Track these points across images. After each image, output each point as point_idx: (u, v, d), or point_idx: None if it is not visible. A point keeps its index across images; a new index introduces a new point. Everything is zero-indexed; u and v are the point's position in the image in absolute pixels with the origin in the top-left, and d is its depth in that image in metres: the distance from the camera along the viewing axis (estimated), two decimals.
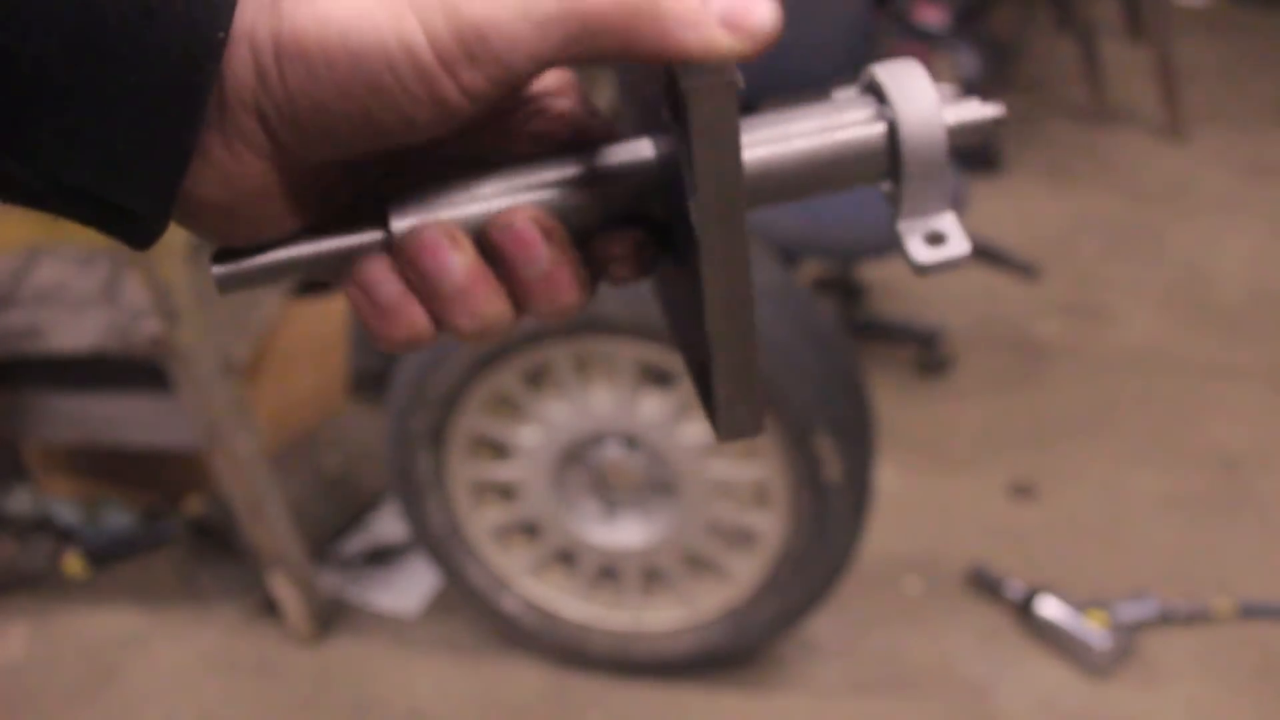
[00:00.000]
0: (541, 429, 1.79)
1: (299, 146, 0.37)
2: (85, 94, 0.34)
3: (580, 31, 0.35)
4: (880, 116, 0.43)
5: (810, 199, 0.45)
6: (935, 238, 0.44)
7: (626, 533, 1.88)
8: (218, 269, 0.42)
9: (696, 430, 1.76)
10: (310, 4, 0.35)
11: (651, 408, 1.75)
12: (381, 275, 0.39)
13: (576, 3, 0.35)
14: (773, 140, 0.44)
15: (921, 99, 0.43)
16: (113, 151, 0.35)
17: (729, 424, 0.42)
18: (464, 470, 1.84)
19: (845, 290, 2.97)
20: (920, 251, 0.44)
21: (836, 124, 0.44)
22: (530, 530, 1.93)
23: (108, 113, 0.34)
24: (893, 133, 0.42)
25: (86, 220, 0.37)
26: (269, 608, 2.06)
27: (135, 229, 0.38)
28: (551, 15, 0.35)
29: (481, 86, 0.36)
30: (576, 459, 1.84)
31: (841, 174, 0.44)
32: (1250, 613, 2.01)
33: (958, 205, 2.15)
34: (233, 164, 0.37)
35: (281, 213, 0.40)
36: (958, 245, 0.44)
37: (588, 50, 0.36)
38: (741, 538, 1.84)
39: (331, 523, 2.25)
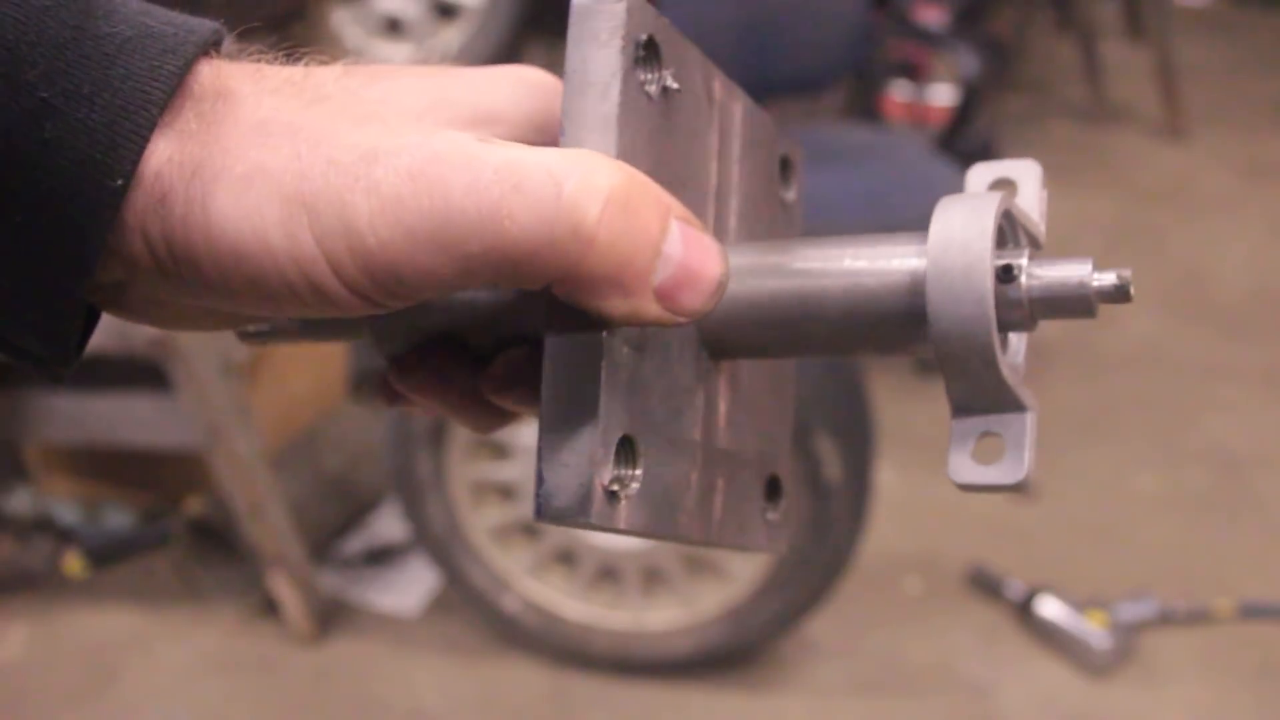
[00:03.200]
0: None
1: (198, 304, 0.35)
2: None
3: (503, 267, 0.31)
4: (919, 256, 0.34)
5: (833, 358, 0.39)
6: (988, 442, 0.34)
7: None
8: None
9: None
10: (203, 212, 0.30)
11: None
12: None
13: (499, 241, 0.30)
14: (759, 257, 0.37)
15: (966, 242, 0.33)
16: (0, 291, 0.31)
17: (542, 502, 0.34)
18: (464, 470, 1.84)
19: None
20: (962, 464, 0.34)
21: (855, 257, 0.36)
22: (530, 530, 1.93)
23: None
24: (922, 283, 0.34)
25: None
26: (269, 608, 2.06)
27: (42, 365, 0.34)
28: (473, 254, 0.30)
29: (396, 305, 0.33)
30: None
31: (856, 330, 0.36)
32: (1250, 613, 2.00)
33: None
34: (149, 303, 0.35)
35: (228, 316, 0.38)
36: (1010, 468, 0.34)
37: (507, 281, 0.31)
38: None
39: (331, 523, 2.25)
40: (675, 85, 0.36)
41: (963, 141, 2.77)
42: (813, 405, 1.64)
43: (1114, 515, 2.30)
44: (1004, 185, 0.38)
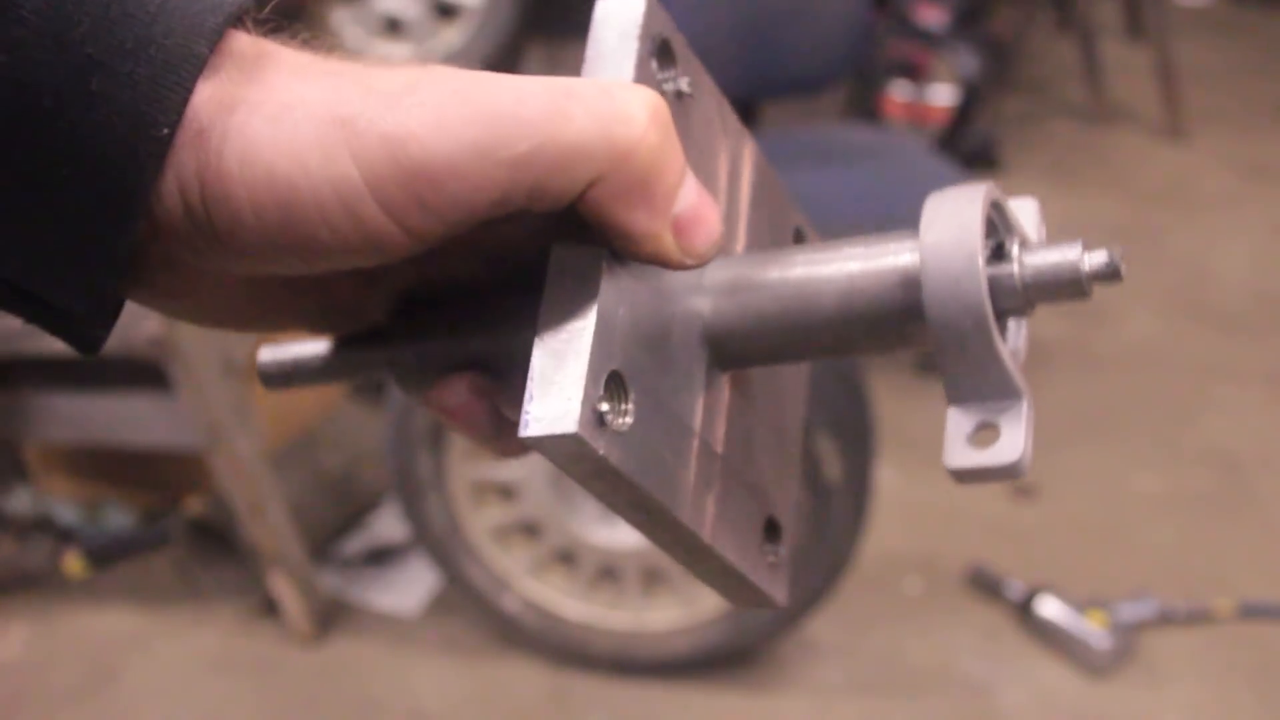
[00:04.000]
0: None
1: (234, 270, 0.34)
2: (10, 181, 0.30)
3: (553, 167, 0.31)
4: (912, 251, 0.35)
5: (834, 359, 0.37)
6: (985, 433, 0.35)
7: (627, 532, 1.88)
8: (263, 356, 0.42)
9: None
10: (240, 138, 0.31)
11: None
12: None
13: (554, 137, 0.31)
14: (756, 264, 0.37)
15: (957, 230, 0.34)
16: (42, 247, 0.31)
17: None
18: (464, 470, 1.84)
19: None
20: (956, 449, 0.35)
21: (850, 258, 0.36)
22: (530, 530, 1.93)
23: (36, 205, 0.30)
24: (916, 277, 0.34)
25: (24, 315, 0.34)
26: (269, 608, 2.06)
27: (77, 330, 0.34)
28: (522, 155, 0.31)
29: (435, 230, 0.32)
30: None
31: (854, 325, 0.36)
32: (1250, 613, 2.00)
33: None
34: (171, 274, 0.35)
35: (257, 305, 0.39)
36: (1006, 449, 0.34)
37: (548, 185, 0.31)
38: None
39: (331, 523, 2.25)
40: (689, 91, 0.37)
41: (963, 141, 2.77)
42: (813, 405, 1.64)
43: (1114, 515, 2.30)
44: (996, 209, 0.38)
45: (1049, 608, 1.98)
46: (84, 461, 2.24)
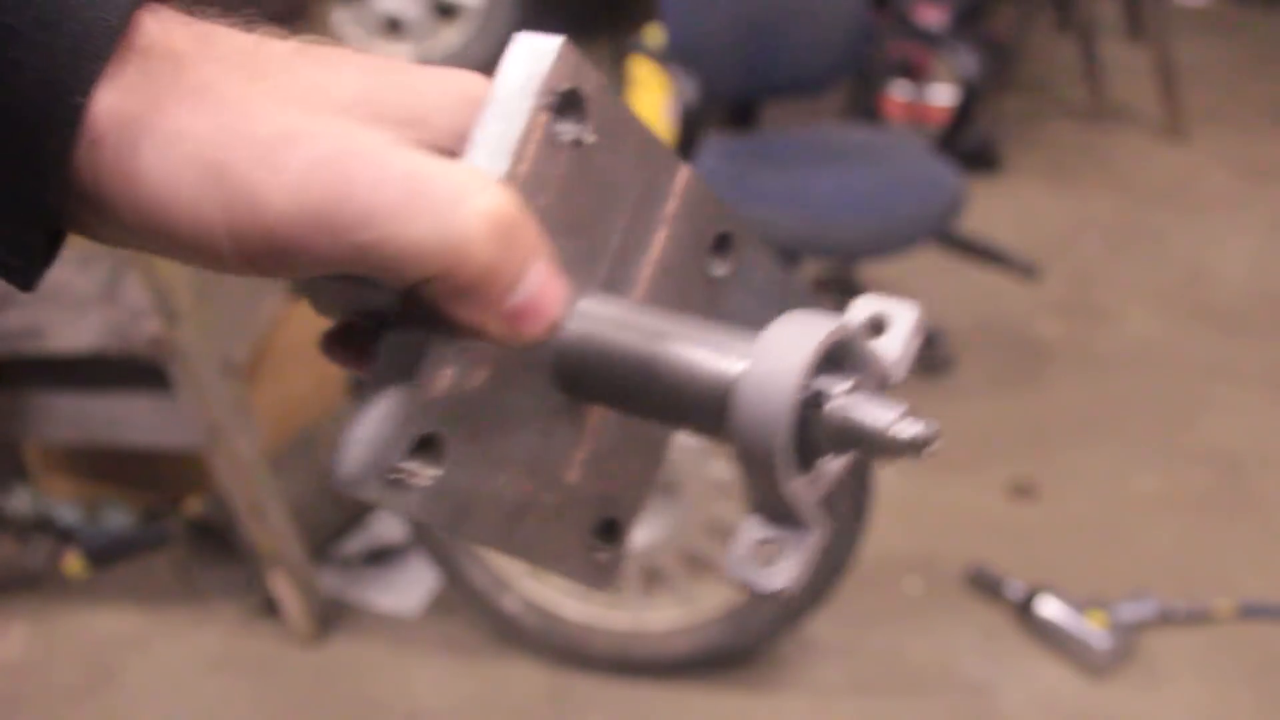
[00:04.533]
0: None
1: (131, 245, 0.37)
2: None
3: (388, 261, 0.33)
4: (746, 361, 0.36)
5: (662, 425, 0.39)
6: (767, 549, 0.36)
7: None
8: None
9: None
10: (129, 157, 0.33)
11: None
12: None
13: (394, 237, 0.33)
14: (616, 321, 0.39)
15: (778, 365, 0.34)
16: None
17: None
18: None
19: (845, 290, 2.97)
20: (736, 556, 0.36)
21: (701, 344, 0.37)
22: None
23: None
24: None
25: None
26: (269, 608, 2.06)
27: (15, 278, 0.36)
28: (363, 244, 0.33)
29: (275, 275, 0.35)
30: None
31: (683, 410, 0.37)
32: (1250, 613, 2.01)
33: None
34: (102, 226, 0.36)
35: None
36: (776, 575, 0.35)
37: (385, 273, 0.34)
38: None
39: (331, 523, 2.24)
40: (591, 139, 0.38)
41: (963, 141, 2.77)
42: None
43: (1114, 515, 2.30)
44: (878, 323, 0.40)
45: (1049, 608, 1.98)
46: (84, 461, 2.24)
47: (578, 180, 0.38)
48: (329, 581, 2.15)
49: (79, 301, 1.81)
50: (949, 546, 2.21)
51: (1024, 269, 3.04)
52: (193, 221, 0.33)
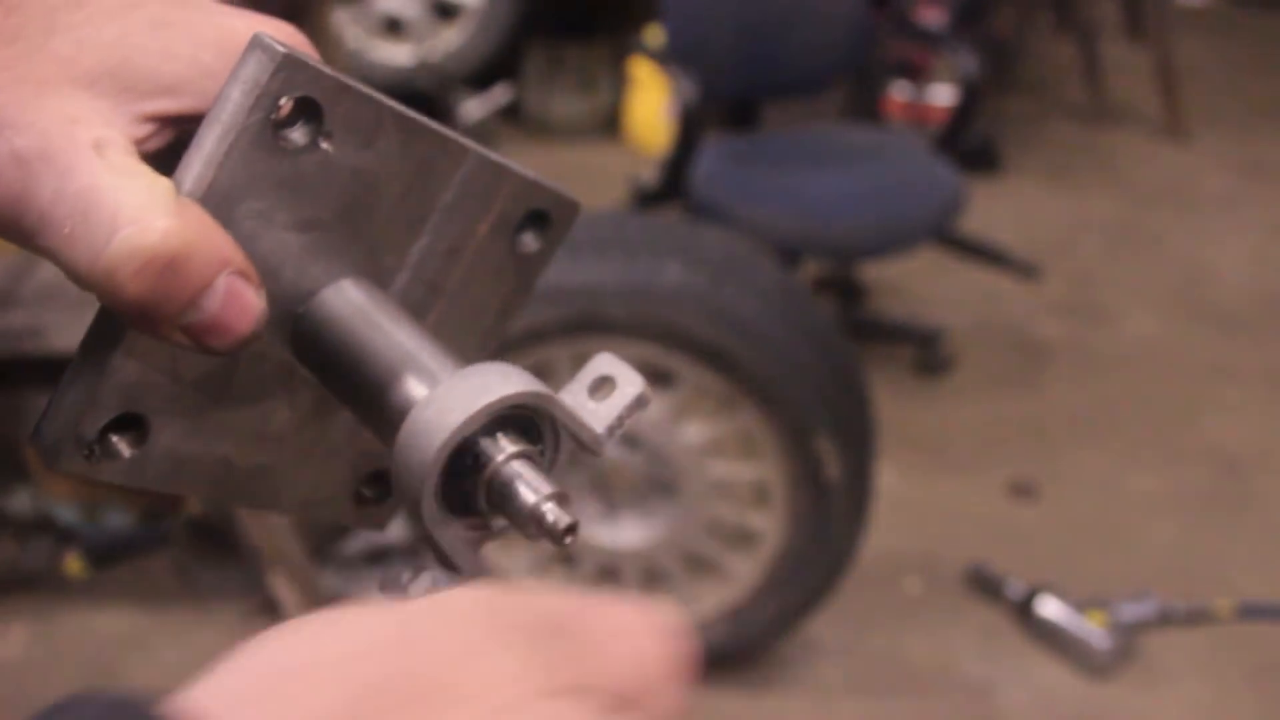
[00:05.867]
0: None
1: None
2: None
3: (61, 266, 0.35)
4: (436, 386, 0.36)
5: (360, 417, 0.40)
6: (421, 580, 0.36)
7: (626, 533, 1.88)
8: None
9: (696, 430, 1.75)
10: None
11: (651, 408, 1.75)
12: None
13: (59, 247, 0.34)
14: (352, 307, 0.40)
15: (439, 418, 0.34)
16: None
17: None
18: None
19: (845, 290, 2.97)
20: (377, 584, 0.37)
21: (415, 354, 0.38)
22: None
23: None
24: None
25: None
26: (269, 608, 2.06)
27: None
28: (42, 247, 0.34)
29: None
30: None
31: (370, 409, 0.38)
32: (1250, 613, 2.00)
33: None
34: None
35: None
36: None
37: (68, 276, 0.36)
38: (741, 538, 1.84)
39: (331, 523, 2.25)
40: (326, 146, 0.38)
41: (963, 141, 2.77)
42: (813, 405, 1.64)
43: (1114, 515, 2.30)
44: (607, 385, 0.39)
45: (1049, 608, 1.98)
46: None
47: (320, 179, 0.38)
48: (329, 581, 2.15)
49: (79, 301, 1.80)
50: (949, 546, 2.21)
51: (1024, 269, 3.04)
52: None
